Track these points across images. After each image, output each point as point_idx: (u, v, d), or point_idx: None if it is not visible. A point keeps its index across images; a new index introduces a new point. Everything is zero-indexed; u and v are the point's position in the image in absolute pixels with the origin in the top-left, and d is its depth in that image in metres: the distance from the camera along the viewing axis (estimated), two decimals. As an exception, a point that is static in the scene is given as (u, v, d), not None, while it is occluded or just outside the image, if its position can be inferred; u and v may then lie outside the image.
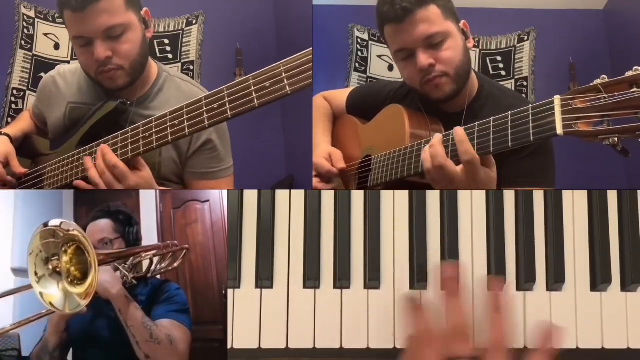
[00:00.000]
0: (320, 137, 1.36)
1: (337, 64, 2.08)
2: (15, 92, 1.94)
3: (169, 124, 0.99)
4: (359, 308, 0.90)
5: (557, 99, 0.81)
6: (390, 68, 2.05)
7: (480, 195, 0.95)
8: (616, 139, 0.76)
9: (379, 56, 2.07)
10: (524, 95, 2.00)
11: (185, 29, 2.03)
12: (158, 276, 1.28)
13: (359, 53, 2.08)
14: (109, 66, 1.12)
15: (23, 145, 1.28)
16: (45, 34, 1.97)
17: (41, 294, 0.92)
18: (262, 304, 0.90)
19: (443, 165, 0.93)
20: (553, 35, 2.05)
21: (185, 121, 0.98)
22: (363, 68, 2.08)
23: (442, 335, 0.79)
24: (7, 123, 1.86)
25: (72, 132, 1.18)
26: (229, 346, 0.89)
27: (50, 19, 1.97)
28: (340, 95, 1.42)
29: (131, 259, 1.14)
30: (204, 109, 0.96)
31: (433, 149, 0.95)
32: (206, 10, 2.05)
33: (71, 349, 1.17)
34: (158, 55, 1.99)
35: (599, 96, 0.77)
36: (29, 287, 0.94)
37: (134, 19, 1.13)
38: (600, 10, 2.05)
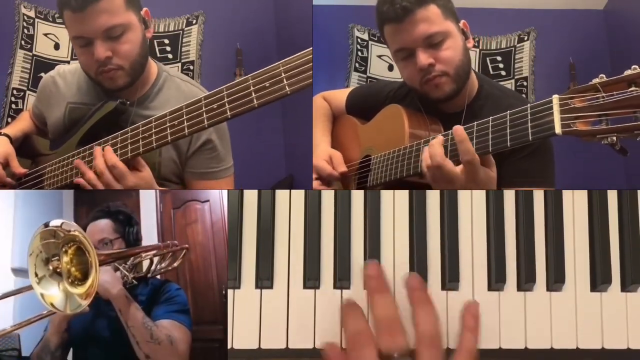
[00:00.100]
0: (320, 138, 1.36)
1: (337, 64, 2.08)
2: (15, 92, 1.94)
3: (168, 124, 0.99)
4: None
5: (555, 99, 0.81)
6: (390, 68, 2.05)
7: (480, 195, 0.95)
8: (615, 138, 0.76)
9: (379, 56, 2.07)
10: (524, 95, 2.00)
11: (185, 29, 2.03)
12: (158, 276, 1.28)
13: (359, 53, 2.09)
14: (109, 66, 1.12)
15: (23, 146, 1.28)
16: (45, 34, 1.97)
17: (42, 295, 0.92)
18: (262, 304, 0.90)
19: (441, 165, 0.93)
20: (553, 35, 2.05)
21: (185, 121, 0.98)
22: (363, 68, 2.08)
23: (376, 330, 0.78)
24: (7, 123, 1.86)
25: (72, 132, 1.18)
26: (229, 346, 0.89)
27: (50, 19, 1.97)
28: (340, 96, 1.42)
29: (131, 259, 1.14)
30: (204, 109, 0.96)
31: (432, 149, 0.95)
32: (206, 10, 2.05)
33: (71, 349, 1.17)
34: (158, 55, 1.99)
35: (597, 95, 0.77)
36: (30, 287, 0.93)
37: (134, 19, 1.13)
38: (600, 10, 2.05)
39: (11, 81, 1.94)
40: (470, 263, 0.93)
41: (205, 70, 2.03)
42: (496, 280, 0.91)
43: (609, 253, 0.93)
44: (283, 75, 0.90)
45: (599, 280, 0.92)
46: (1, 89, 1.94)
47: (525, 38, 2.06)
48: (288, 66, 0.90)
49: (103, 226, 1.23)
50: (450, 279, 0.91)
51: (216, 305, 2.00)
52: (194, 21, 2.04)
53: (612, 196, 0.96)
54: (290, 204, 0.93)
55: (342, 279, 0.90)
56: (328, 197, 0.94)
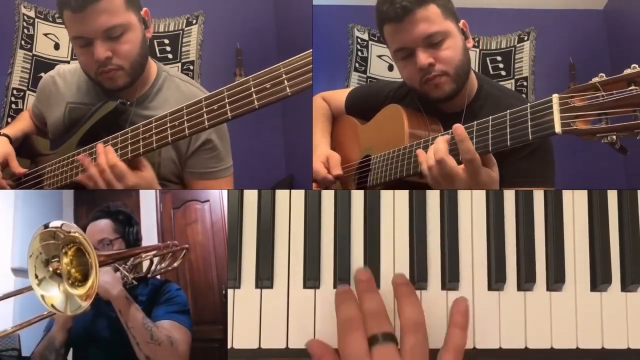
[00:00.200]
0: (320, 139, 1.36)
1: (337, 64, 2.08)
2: (15, 92, 1.94)
3: (168, 124, 0.99)
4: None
5: (555, 98, 0.81)
6: (390, 68, 2.05)
7: (480, 195, 0.95)
8: (614, 137, 0.76)
9: (379, 56, 2.08)
10: (524, 95, 2.00)
11: (185, 29, 2.03)
12: (158, 276, 1.28)
13: (359, 53, 2.09)
14: (109, 66, 1.12)
15: (22, 146, 1.28)
16: (45, 34, 1.97)
17: (42, 296, 0.92)
18: (262, 304, 0.90)
19: (444, 160, 0.93)
20: (553, 35, 2.05)
21: (185, 122, 0.98)
22: (363, 68, 2.08)
23: (364, 320, 0.80)
24: (7, 123, 1.86)
25: (72, 132, 1.18)
26: (229, 346, 0.89)
27: (50, 19, 1.97)
28: (339, 96, 1.42)
29: (131, 259, 1.14)
30: (204, 110, 0.96)
31: (436, 145, 0.95)
32: (206, 10, 2.05)
33: (71, 349, 1.17)
34: (158, 55, 1.99)
35: (597, 94, 0.77)
36: (30, 288, 0.93)
37: (134, 19, 1.13)
38: (600, 10, 2.05)
39: (11, 81, 1.94)
40: (470, 263, 0.93)
41: (205, 71, 2.03)
42: (496, 280, 0.91)
43: (609, 253, 0.93)
44: (284, 76, 0.90)
45: (599, 280, 0.92)
46: (1, 89, 1.94)
47: (525, 38, 2.06)
48: (289, 67, 0.90)
49: (103, 226, 1.23)
50: (450, 279, 0.91)
51: (216, 305, 2.00)
52: (194, 21, 2.04)
53: (612, 196, 0.96)
54: (290, 204, 0.93)
55: (342, 279, 0.90)
56: (328, 197, 0.94)
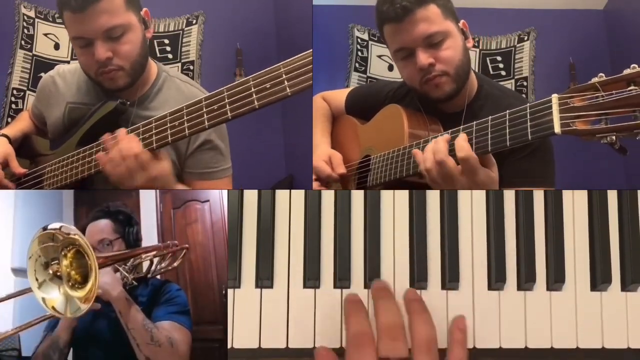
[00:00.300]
0: (320, 138, 1.36)
1: (337, 64, 2.09)
2: (15, 92, 1.94)
3: (168, 124, 0.99)
4: (358, 308, 0.90)
5: (554, 98, 0.81)
6: (390, 68, 2.05)
7: (480, 195, 0.95)
8: (614, 137, 0.76)
9: (379, 56, 2.08)
10: (524, 95, 2.00)
11: (185, 29, 2.03)
12: (158, 276, 1.28)
13: (359, 53, 2.09)
14: (109, 67, 1.12)
15: (22, 146, 1.28)
16: (45, 34, 1.97)
17: (43, 299, 0.91)
18: (262, 304, 0.90)
19: (444, 161, 0.93)
20: (553, 35, 2.05)
21: (185, 122, 0.98)
22: (363, 68, 2.08)
23: (378, 335, 0.78)
24: (7, 123, 1.86)
25: (72, 132, 1.18)
26: (229, 346, 0.89)
27: (50, 19, 1.97)
28: (339, 96, 1.42)
29: (131, 260, 1.14)
30: (204, 110, 0.96)
31: (436, 145, 0.95)
32: (206, 10, 2.05)
33: (72, 349, 1.17)
34: (158, 55, 1.99)
35: (596, 94, 0.77)
36: (30, 290, 0.93)
37: (134, 20, 1.13)
38: (600, 10, 2.05)
39: (11, 81, 1.94)
40: (470, 263, 0.93)
41: (205, 71, 2.03)
42: (496, 280, 0.91)
43: (609, 253, 0.93)
44: (284, 76, 0.90)
45: (599, 280, 0.92)
46: (1, 89, 1.94)
47: (525, 38, 2.06)
48: (289, 67, 0.90)
49: (103, 226, 1.23)
50: (450, 279, 0.91)
51: (216, 305, 2.00)
52: (194, 21, 2.04)
53: (612, 196, 0.96)
54: (290, 204, 0.93)
55: (342, 279, 0.90)
56: (328, 197, 0.94)
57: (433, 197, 0.95)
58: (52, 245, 0.90)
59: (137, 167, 0.99)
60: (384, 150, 1.16)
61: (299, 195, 0.94)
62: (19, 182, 1.21)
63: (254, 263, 0.91)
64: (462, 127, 0.95)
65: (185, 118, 0.98)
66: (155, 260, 1.24)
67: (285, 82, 0.90)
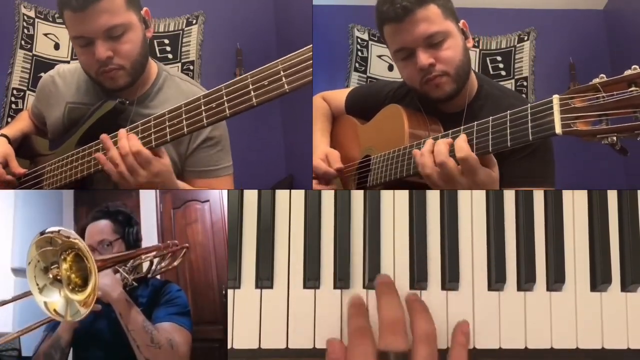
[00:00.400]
0: (319, 139, 1.36)
1: (337, 64, 2.08)
2: (15, 92, 1.94)
3: (167, 123, 0.99)
4: (358, 308, 0.90)
5: (555, 98, 0.81)
6: (390, 68, 2.05)
7: (480, 195, 0.95)
8: (615, 138, 0.76)
9: (379, 56, 2.07)
10: (524, 95, 2.00)
11: (185, 29, 2.03)
12: (158, 276, 1.28)
13: (359, 53, 2.08)
14: (109, 66, 1.12)
15: (21, 146, 1.28)
16: (45, 34, 1.97)
17: (45, 303, 0.91)
18: (262, 304, 0.90)
19: (445, 163, 0.93)
20: (553, 35, 2.05)
21: (184, 120, 0.98)
22: (363, 68, 2.08)
23: (380, 329, 0.79)
24: (7, 123, 1.86)
25: (71, 132, 1.18)
26: (229, 346, 0.89)
27: (50, 19, 1.97)
28: (339, 96, 1.42)
29: (131, 261, 1.14)
30: (203, 107, 0.96)
31: (437, 147, 0.95)
32: (206, 10, 2.05)
33: (72, 349, 1.17)
34: (158, 55, 1.99)
35: (597, 95, 0.77)
36: (30, 293, 0.93)
37: (134, 19, 1.13)
38: (600, 10, 2.05)
39: (11, 81, 1.94)
40: (470, 263, 0.93)
41: (205, 70, 2.03)
42: (496, 280, 0.91)
43: (609, 253, 0.93)
44: (282, 73, 0.90)
45: (599, 280, 0.92)
46: (1, 89, 1.94)
47: (525, 38, 2.06)
48: (287, 64, 0.90)
49: (102, 227, 1.23)
50: (450, 279, 0.91)
51: (216, 305, 2.00)
52: (194, 21, 2.04)
53: (612, 196, 0.96)
54: (290, 204, 0.93)
55: (342, 279, 0.90)
56: (328, 197, 0.94)
57: (433, 197, 0.95)
58: (50, 249, 0.89)
59: (138, 165, 0.99)
60: (384, 150, 1.16)
61: (299, 195, 0.94)
62: (19, 182, 1.20)
63: (254, 263, 0.91)
64: (462, 127, 0.95)
65: (184, 116, 0.98)
66: (156, 260, 1.24)
67: (283, 78, 0.90)
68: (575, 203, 0.96)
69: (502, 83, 1.96)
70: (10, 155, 1.20)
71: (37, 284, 0.90)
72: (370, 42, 2.08)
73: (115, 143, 1.01)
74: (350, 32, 2.09)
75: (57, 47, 1.97)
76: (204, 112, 0.96)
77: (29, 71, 1.95)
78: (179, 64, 2.01)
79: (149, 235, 2.05)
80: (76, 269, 0.91)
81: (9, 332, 1.47)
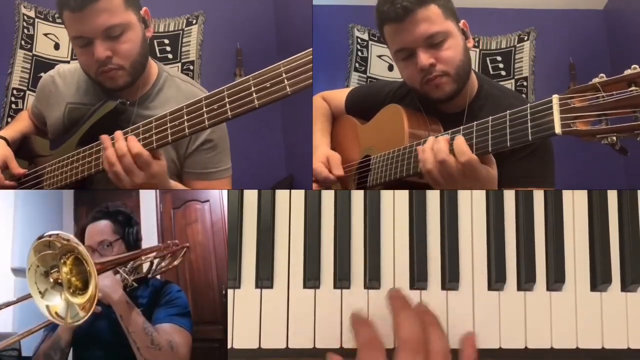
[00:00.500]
0: (319, 139, 1.36)
1: (337, 64, 2.08)
2: (15, 92, 1.94)
3: (169, 124, 0.99)
4: (359, 308, 0.90)
5: (555, 98, 0.81)
6: (390, 68, 2.05)
7: (480, 195, 0.95)
8: (614, 138, 0.76)
9: (379, 56, 2.07)
10: (524, 95, 2.00)
11: (185, 29, 2.03)
12: (158, 276, 1.28)
13: (359, 53, 2.08)
14: (109, 66, 1.12)
15: (21, 147, 1.28)
16: (45, 34, 1.97)
17: (47, 306, 0.91)
18: (262, 304, 0.90)
19: (445, 160, 0.93)
20: (553, 35, 2.05)
21: (185, 121, 0.98)
22: (363, 68, 2.08)
23: (399, 346, 0.75)
24: (7, 123, 1.86)
25: (72, 132, 1.18)
26: (229, 346, 0.89)
27: (50, 19, 1.97)
28: (339, 96, 1.42)
29: (131, 262, 1.14)
30: (204, 109, 0.96)
31: (437, 145, 0.95)
32: (206, 10, 2.05)
33: (72, 349, 1.17)
34: (158, 55, 1.99)
35: (597, 95, 0.77)
36: (30, 296, 0.92)
37: (134, 19, 1.12)
38: (600, 10, 2.05)
39: (11, 81, 1.94)
40: (470, 263, 0.93)
41: (205, 70, 2.03)
42: (496, 280, 0.91)
43: (609, 253, 0.94)
44: (284, 75, 0.90)
45: (599, 280, 0.92)
46: (1, 89, 1.94)
47: (525, 38, 2.06)
48: (289, 66, 0.90)
49: (102, 227, 1.22)
50: (450, 279, 0.91)
51: (216, 305, 2.00)
52: (194, 21, 2.04)
53: (612, 196, 0.96)
54: (290, 204, 0.93)
55: (342, 279, 0.90)
56: (328, 197, 0.94)
57: (433, 197, 0.95)
58: (50, 252, 0.89)
59: (137, 166, 0.98)
60: (384, 150, 1.16)
61: (299, 195, 0.94)
62: (19, 183, 1.20)
63: (254, 263, 0.91)
64: (462, 127, 0.95)
65: (185, 117, 0.98)
66: (156, 260, 1.24)
67: (285, 81, 0.89)
68: (575, 203, 0.96)
69: (502, 83, 1.96)
70: (10, 158, 1.19)
71: (39, 289, 0.90)
72: (370, 42, 2.08)
73: (114, 145, 1.01)
74: (350, 32, 2.09)
75: (57, 47, 1.97)
76: (205, 114, 0.96)
77: (29, 71, 1.95)
78: (179, 64, 2.01)
79: (149, 235, 2.05)
80: (76, 272, 0.91)
81: (9, 332, 1.48)
